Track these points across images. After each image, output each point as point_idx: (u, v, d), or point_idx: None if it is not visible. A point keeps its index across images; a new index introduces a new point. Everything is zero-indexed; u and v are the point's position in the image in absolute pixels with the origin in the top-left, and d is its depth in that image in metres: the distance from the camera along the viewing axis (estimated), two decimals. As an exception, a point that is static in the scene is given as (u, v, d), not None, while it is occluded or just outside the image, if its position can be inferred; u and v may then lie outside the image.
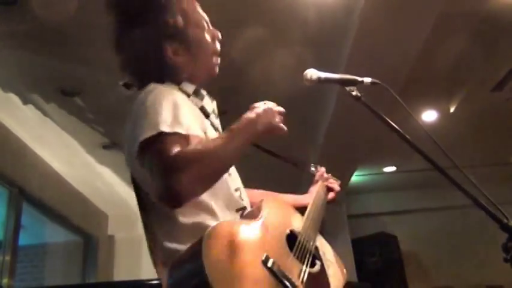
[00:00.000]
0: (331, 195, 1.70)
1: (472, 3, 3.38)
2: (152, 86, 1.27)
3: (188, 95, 1.33)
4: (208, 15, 1.46)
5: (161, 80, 1.31)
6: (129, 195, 6.87)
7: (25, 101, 4.01)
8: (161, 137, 1.08)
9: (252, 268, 1.00)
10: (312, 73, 1.49)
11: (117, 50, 1.41)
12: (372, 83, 1.46)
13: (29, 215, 4.82)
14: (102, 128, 4.56)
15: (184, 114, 1.16)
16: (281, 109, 1.33)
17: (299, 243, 1.21)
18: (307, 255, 1.19)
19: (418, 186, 7.04)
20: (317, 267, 1.22)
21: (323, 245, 1.36)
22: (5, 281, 4.05)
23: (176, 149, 1.04)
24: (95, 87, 3.90)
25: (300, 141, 4.95)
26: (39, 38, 3.27)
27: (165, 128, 1.10)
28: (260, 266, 1.02)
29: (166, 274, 1.07)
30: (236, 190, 1.31)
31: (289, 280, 1.03)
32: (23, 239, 4.63)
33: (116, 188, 6.15)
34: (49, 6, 2.89)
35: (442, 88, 4.51)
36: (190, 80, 1.36)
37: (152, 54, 1.34)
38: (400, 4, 2.96)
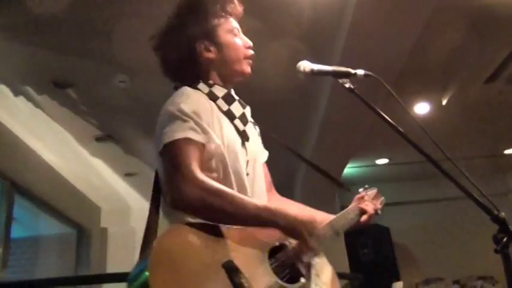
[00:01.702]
0: (363, 218, 1.60)
1: (465, -4, 3.39)
2: (183, 90, 1.38)
3: (216, 98, 1.40)
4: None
5: (195, 82, 1.41)
6: (122, 188, 6.90)
7: (16, 93, 3.98)
8: (185, 143, 1.22)
9: (205, 271, 1.06)
10: (305, 65, 1.49)
11: (157, 49, 1.51)
12: (365, 75, 1.46)
13: (21, 208, 4.80)
14: (94, 120, 4.54)
15: (204, 124, 1.28)
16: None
17: (280, 257, 1.23)
18: (286, 270, 1.21)
19: (411, 178, 7.07)
20: (298, 284, 1.21)
21: (322, 267, 1.33)
22: (-3, 273, 4.04)
23: (198, 172, 1.18)
24: (87, 79, 3.88)
25: (293, 133, 4.95)
26: (31, 29, 3.24)
27: (190, 135, 1.23)
28: (219, 267, 1.07)
29: None
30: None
31: (242, 284, 1.06)
32: (16, 232, 4.61)
33: (109, 181, 6.14)
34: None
35: (435, 80, 4.52)
36: (223, 81, 1.45)
37: (185, 51, 1.43)
38: (394, -4, 2.96)
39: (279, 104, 4.19)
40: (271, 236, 1.25)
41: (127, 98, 4.18)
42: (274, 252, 1.23)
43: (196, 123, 1.26)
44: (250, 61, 1.50)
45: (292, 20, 3.29)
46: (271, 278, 1.16)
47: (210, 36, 1.44)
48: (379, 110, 1.37)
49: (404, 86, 4.08)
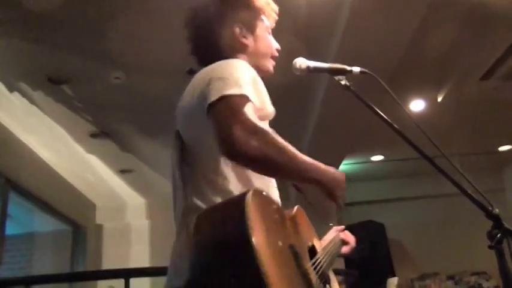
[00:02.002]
0: (345, 248, 1.68)
1: (461, -7, 3.39)
2: (234, 59, 1.35)
3: None
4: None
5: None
6: (117, 184, 6.88)
7: (11, 89, 3.97)
8: (243, 99, 1.15)
9: (283, 245, 1.03)
10: (301, 62, 1.49)
11: (192, 26, 1.48)
12: (360, 72, 1.46)
13: (16, 205, 4.79)
14: (90, 116, 4.52)
15: (261, 90, 1.28)
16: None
17: (318, 259, 1.25)
18: (321, 274, 1.23)
19: (406, 174, 7.10)
20: None
21: (334, 282, 1.41)
22: (-8, 270, 4.04)
23: (255, 122, 1.12)
24: (83, 76, 3.87)
25: (289, 130, 4.95)
26: (26, 25, 3.23)
27: (248, 93, 1.17)
28: (288, 248, 1.05)
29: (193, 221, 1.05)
30: None
31: (308, 274, 1.08)
32: (11, 229, 4.60)
33: (104, 177, 6.13)
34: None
35: (430, 77, 4.53)
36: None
37: (223, 30, 1.43)
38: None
39: (274, 100, 4.19)
40: (308, 234, 1.31)
41: (122, 94, 4.17)
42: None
43: (256, 89, 1.24)
44: (274, 63, 1.52)
45: (288, 17, 3.27)
46: (316, 278, 1.17)
47: (249, 25, 1.46)
48: (374, 107, 1.37)
49: (400, 83, 4.08)
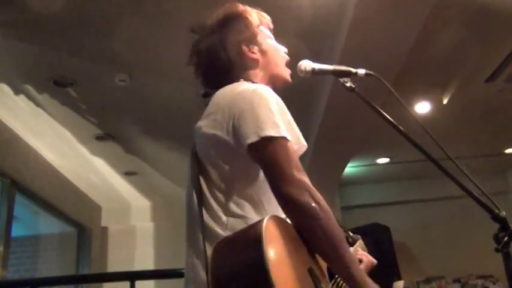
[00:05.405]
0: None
1: (466, -5, 3.38)
2: (261, 85, 1.33)
3: None
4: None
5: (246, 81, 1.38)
6: (122, 186, 6.89)
7: (17, 92, 3.99)
8: (286, 141, 1.17)
9: (299, 270, 1.03)
10: (306, 64, 1.48)
11: (197, 54, 1.46)
12: (366, 74, 1.45)
13: (22, 206, 4.81)
14: (95, 119, 4.54)
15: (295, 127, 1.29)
16: None
17: (337, 278, 1.26)
18: None
19: (411, 177, 7.07)
20: None
21: None
22: (-2, 272, 4.05)
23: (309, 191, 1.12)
24: (88, 78, 3.88)
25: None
26: (31, 27, 3.24)
27: (286, 134, 1.18)
28: (307, 272, 1.06)
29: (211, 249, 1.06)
30: None
31: None
32: (16, 230, 4.62)
33: (109, 180, 6.15)
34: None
35: (435, 79, 4.51)
36: (271, 85, 1.42)
37: (232, 53, 1.41)
38: (394, -5, 2.95)
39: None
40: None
41: (127, 97, 4.18)
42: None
43: (289, 123, 1.27)
44: (290, 71, 1.51)
45: (292, 19, 3.28)
46: None
47: (253, 41, 1.46)
48: (380, 109, 1.36)
49: (405, 85, 4.07)
